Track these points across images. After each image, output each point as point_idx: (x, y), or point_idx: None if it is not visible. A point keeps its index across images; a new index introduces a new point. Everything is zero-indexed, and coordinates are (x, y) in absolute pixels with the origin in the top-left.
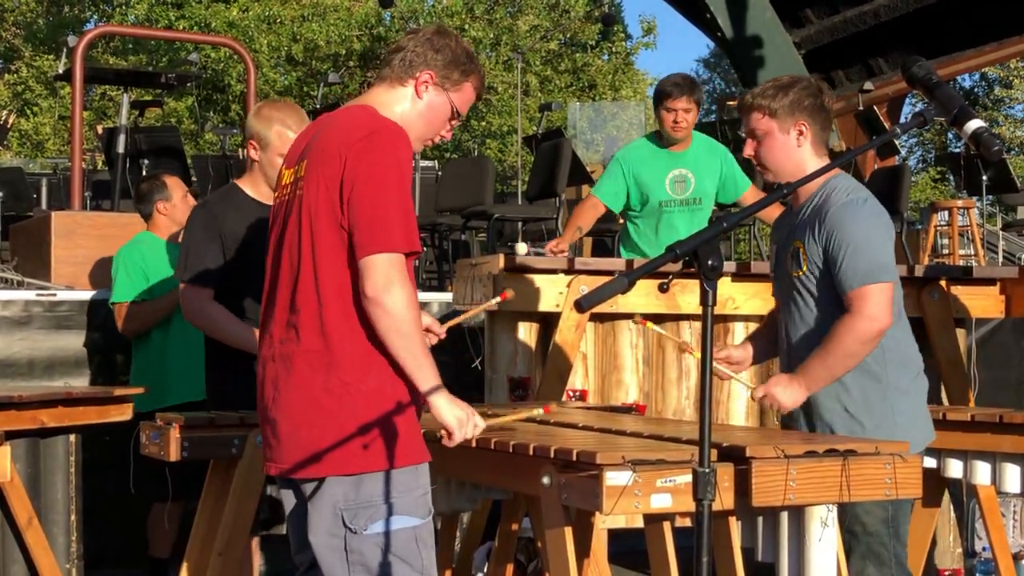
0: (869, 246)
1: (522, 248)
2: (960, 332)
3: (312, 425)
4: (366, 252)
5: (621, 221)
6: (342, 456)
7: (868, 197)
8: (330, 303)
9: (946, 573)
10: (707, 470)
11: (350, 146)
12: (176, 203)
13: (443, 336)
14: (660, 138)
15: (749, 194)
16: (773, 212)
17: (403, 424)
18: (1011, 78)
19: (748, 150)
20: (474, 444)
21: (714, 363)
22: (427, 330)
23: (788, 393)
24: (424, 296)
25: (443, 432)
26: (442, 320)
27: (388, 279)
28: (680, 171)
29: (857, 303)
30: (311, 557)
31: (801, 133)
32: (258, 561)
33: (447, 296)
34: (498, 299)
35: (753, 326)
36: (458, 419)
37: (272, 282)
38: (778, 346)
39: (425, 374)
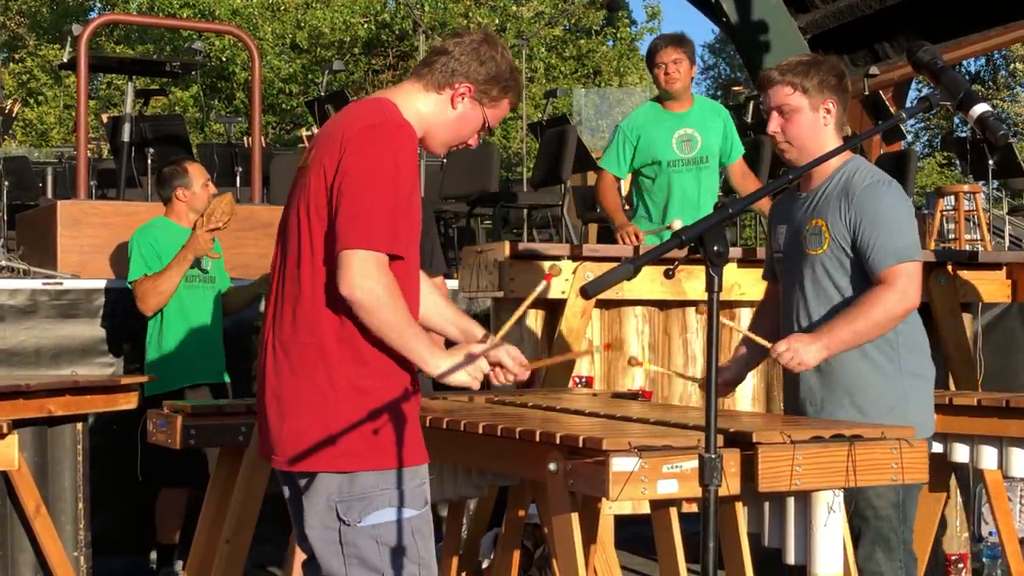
0: (902, 225)
1: (678, 223)
2: (966, 317)
3: (304, 419)
4: (342, 246)
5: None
6: (335, 452)
7: (892, 180)
8: (322, 295)
9: (952, 558)
10: (713, 456)
11: (350, 137)
12: (196, 191)
13: (525, 376)
14: (661, 102)
15: (737, 165)
16: (765, 203)
17: (398, 424)
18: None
19: (773, 125)
20: (480, 430)
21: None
22: (497, 364)
23: (811, 351)
24: None
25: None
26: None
27: (362, 275)
28: (686, 131)
29: (892, 279)
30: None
31: (828, 112)
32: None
33: (453, 283)
34: (544, 284)
35: None
36: (471, 377)
37: (276, 269)
38: (781, 329)
39: (423, 357)
